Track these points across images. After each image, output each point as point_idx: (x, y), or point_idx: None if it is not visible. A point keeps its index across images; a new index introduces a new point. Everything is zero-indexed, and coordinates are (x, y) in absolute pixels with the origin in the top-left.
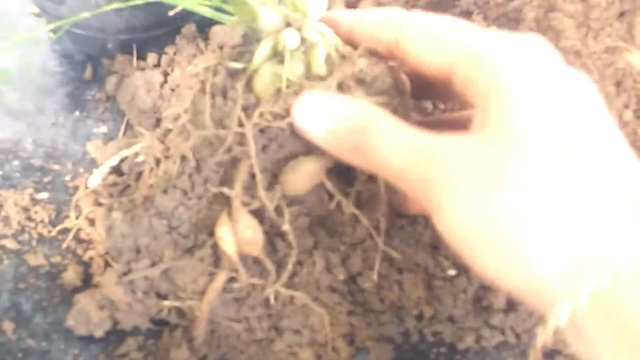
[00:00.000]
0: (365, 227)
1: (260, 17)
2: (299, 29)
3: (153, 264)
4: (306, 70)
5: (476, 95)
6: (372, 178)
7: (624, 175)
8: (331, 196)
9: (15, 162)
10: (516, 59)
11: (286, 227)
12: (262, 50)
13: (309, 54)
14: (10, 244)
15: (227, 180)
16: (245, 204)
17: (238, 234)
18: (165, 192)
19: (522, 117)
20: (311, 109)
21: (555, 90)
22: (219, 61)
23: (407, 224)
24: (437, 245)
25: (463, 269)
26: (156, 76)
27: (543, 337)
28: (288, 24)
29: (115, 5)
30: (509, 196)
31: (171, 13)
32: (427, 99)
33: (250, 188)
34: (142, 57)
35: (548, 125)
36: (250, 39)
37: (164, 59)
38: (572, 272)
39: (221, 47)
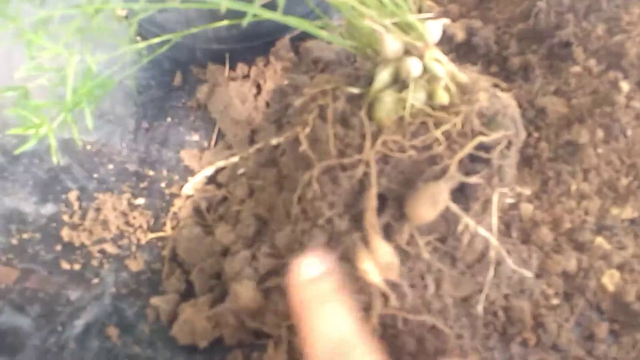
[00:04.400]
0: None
1: (385, 44)
2: (421, 57)
3: None
4: (427, 98)
5: None
6: None
7: None
8: (456, 219)
9: (110, 166)
10: None
11: (426, 255)
12: (383, 77)
13: (431, 83)
14: (110, 248)
15: (351, 205)
16: (378, 232)
17: (378, 261)
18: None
19: None
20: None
21: None
22: (337, 85)
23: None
24: (540, 273)
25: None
26: (248, 87)
27: None
28: (407, 52)
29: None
30: None
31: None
32: None
33: (380, 214)
34: (231, 67)
35: None
36: (344, 56)
37: (254, 70)
38: None
39: (315, 63)
